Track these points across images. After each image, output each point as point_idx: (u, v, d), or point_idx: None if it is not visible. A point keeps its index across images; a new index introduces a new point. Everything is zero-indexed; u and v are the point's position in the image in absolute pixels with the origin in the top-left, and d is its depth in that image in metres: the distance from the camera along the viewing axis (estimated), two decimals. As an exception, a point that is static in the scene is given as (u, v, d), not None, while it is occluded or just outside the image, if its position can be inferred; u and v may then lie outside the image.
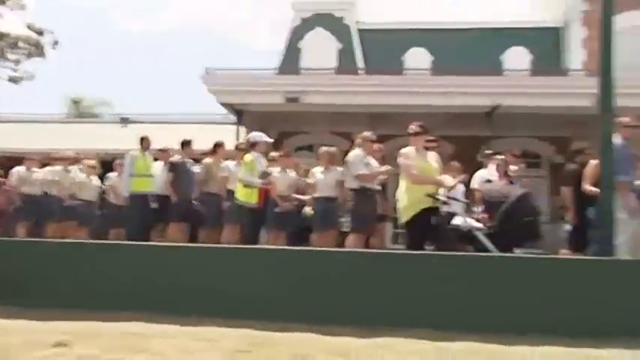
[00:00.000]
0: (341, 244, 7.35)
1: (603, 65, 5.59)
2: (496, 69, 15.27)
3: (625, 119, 6.87)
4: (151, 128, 12.12)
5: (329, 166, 8.09)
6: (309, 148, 13.89)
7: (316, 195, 8.07)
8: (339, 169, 7.90)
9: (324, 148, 8.43)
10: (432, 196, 5.88)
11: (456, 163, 8.58)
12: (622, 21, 10.72)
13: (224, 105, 12.55)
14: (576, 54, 15.71)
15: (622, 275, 4.84)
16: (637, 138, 7.02)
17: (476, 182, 8.15)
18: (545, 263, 5.01)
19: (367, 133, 7.46)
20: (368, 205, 7.17)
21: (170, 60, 62.98)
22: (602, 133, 5.46)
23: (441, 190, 6.07)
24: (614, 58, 5.57)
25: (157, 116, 17.40)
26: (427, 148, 6.20)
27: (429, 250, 5.93)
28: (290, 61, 17.09)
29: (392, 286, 4.91)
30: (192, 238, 8.61)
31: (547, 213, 12.86)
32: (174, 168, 8.77)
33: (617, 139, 6.41)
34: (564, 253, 6.73)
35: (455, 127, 12.13)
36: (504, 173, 7.64)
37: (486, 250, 5.89)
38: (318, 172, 8.19)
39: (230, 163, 8.77)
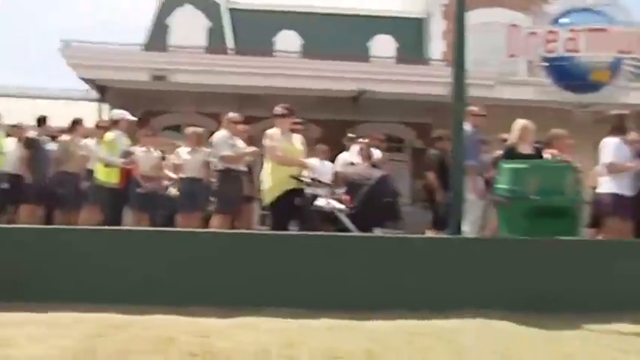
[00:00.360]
0: (206, 226, 7.29)
1: (457, 57, 5.93)
2: (363, 55, 15.72)
3: (474, 108, 7.39)
4: (2, 102, 11.25)
5: (196, 146, 7.97)
6: (177, 128, 13.54)
7: (182, 176, 7.93)
8: (206, 149, 7.81)
9: (191, 129, 8.29)
10: (296, 178, 5.99)
11: (321, 146, 8.78)
12: (475, 17, 11.49)
13: (85, 80, 11.91)
14: (437, 45, 16.54)
15: (470, 251, 5.22)
16: (484, 126, 7.60)
17: (339, 165, 8.39)
18: (402, 242, 5.30)
19: (233, 114, 7.43)
20: (233, 186, 7.16)
21: (28, 29, 58.68)
22: (454, 120, 5.82)
23: (305, 172, 6.20)
24: (467, 51, 5.93)
25: (9, 89, 16.11)
26: (293, 131, 6.29)
27: (293, 230, 6.04)
28: (157, 38, 16.50)
29: (256, 266, 4.95)
30: (48, 221, 8.14)
31: (409, 196, 13.54)
32: (29, 145, 8.23)
33: (467, 127, 6.88)
34: (429, 234, 7.15)
35: (323, 111, 12.37)
36: (367, 156, 7.93)
37: (348, 230, 6.11)
38: (184, 152, 8.05)
39: (90, 142, 8.38)
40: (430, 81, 11.52)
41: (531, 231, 5.33)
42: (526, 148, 6.76)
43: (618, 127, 6.69)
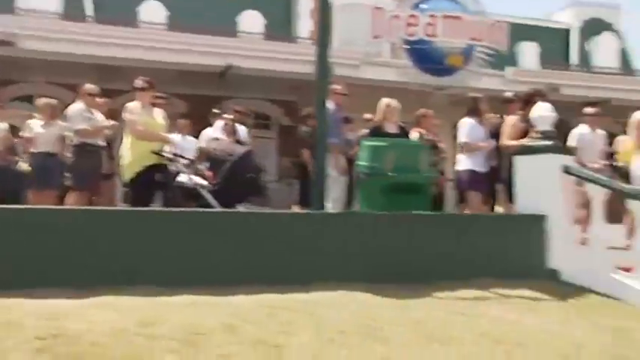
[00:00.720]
0: (61, 204, 6.89)
1: (320, 36, 6.01)
2: (230, 30, 15.50)
3: (337, 87, 7.56)
4: None
5: (49, 119, 7.49)
6: (28, 99, 12.59)
7: (34, 150, 7.43)
8: (61, 123, 7.35)
9: (43, 100, 7.78)
10: (158, 153, 5.82)
11: (182, 120, 8.55)
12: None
13: None
14: (305, 23, 16.68)
15: (331, 226, 5.36)
16: (347, 104, 7.80)
17: (203, 140, 8.26)
18: (265, 218, 5.33)
19: (90, 86, 7.04)
20: (89, 161, 6.79)
21: None
22: (317, 98, 5.91)
23: (167, 147, 6.04)
24: (331, 30, 6.04)
25: None
26: (154, 105, 6.09)
27: (153, 207, 5.88)
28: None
29: (113, 244, 4.75)
30: None
31: (275, 173, 13.64)
32: None
33: (330, 105, 7.03)
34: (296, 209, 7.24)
35: (188, 86, 12.09)
36: (231, 132, 7.86)
37: (210, 206, 6.05)
38: (37, 125, 7.54)
39: None
40: (297, 59, 11.59)
41: (388, 206, 5.58)
42: (391, 127, 7.03)
43: (473, 108, 7.17)
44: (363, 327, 3.99)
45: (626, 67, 17.16)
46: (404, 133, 7.13)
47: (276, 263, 5.02)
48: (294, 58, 11.82)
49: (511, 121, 6.81)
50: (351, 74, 11.73)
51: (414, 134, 7.33)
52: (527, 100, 6.62)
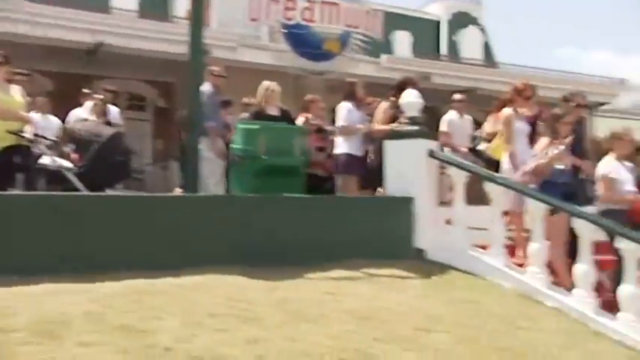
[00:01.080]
0: None
1: (194, 16, 5.88)
2: (102, 6, 14.74)
3: (215, 68, 7.44)
4: None
5: None
6: None
7: None
8: None
9: None
10: (16, 134, 5.45)
11: (41, 98, 7.98)
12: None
13: None
14: (181, 2, 16.21)
15: (204, 209, 5.29)
16: (225, 87, 7.70)
17: (70, 121, 7.83)
18: (136, 201, 5.17)
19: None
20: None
21: None
22: (190, 80, 5.79)
23: (27, 128, 5.67)
24: (203, 10, 5.92)
25: None
26: (10, 81, 5.67)
27: (14, 191, 5.52)
28: None
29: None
30: None
31: (150, 155, 13.26)
32: None
33: (207, 87, 6.92)
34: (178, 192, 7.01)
35: (55, 63, 11.39)
36: (101, 113, 7.51)
37: (77, 190, 5.76)
38: None
39: None
40: (173, 39, 11.25)
41: (261, 188, 5.59)
42: (273, 110, 7.01)
43: (350, 93, 7.32)
44: (234, 309, 4.00)
45: (488, 59, 18.28)
46: (286, 116, 7.11)
47: (146, 248, 4.87)
48: (169, 38, 11.48)
49: (382, 107, 7.04)
50: (229, 57, 11.60)
51: (300, 119, 7.38)
52: (400, 88, 6.88)
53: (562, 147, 5.63)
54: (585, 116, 7.44)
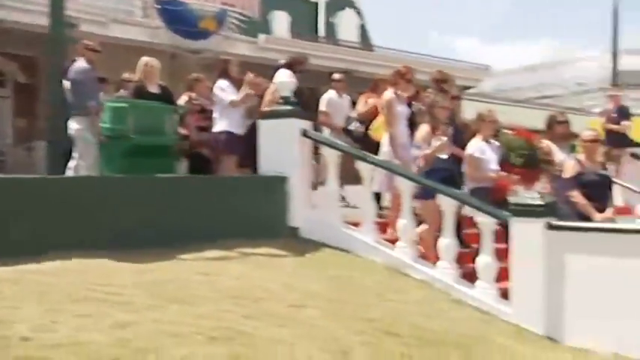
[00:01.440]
0: None
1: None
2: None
3: (89, 42, 6.96)
4: None
5: None
6: None
7: None
8: None
9: None
10: None
11: None
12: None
13: None
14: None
15: (71, 191, 5.00)
16: (99, 63, 7.24)
17: None
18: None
19: None
20: None
21: None
22: (51, 53, 5.44)
23: None
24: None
25: None
26: None
27: None
28: None
29: None
30: None
31: (11, 135, 12.35)
32: None
33: (82, 63, 6.50)
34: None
35: None
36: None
37: None
38: None
39: None
40: (35, 9, 10.46)
41: (130, 169, 5.39)
42: (153, 87, 6.68)
43: (224, 71, 7.16)
44: (100, 293, 3.86)
45: (364, 42, 18.69)
46: (166, 93, 6.79)
47: (5, 234, 4.55)
48: (30, 9, 10.66)
49: (272, 89, 6.90)
50: (99, 32, 10.99)
51: (184, 97, 7.12)
52: (289, 67, 6.84)
53: (444, 138, 5.84)
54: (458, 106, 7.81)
